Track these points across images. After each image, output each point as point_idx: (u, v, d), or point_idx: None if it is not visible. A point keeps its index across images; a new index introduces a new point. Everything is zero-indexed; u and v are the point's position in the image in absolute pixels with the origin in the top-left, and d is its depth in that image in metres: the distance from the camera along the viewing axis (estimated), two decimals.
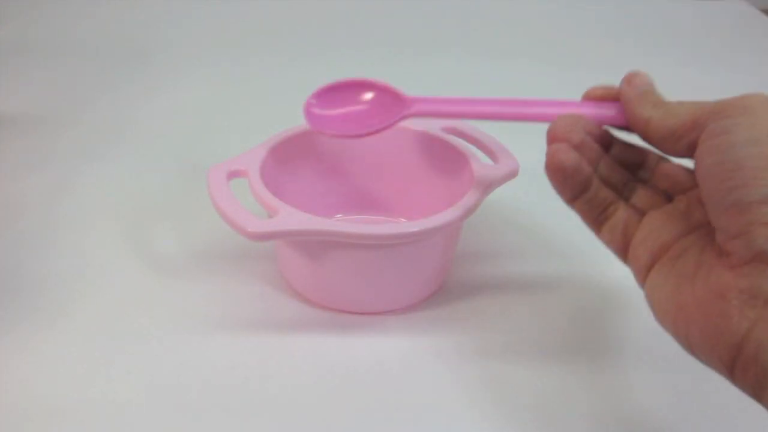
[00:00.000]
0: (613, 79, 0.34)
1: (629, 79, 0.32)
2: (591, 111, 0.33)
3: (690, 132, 0.28)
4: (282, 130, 0.45)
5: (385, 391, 0.37)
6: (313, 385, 0.37)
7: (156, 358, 0.38)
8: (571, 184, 0.32)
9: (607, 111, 0.33)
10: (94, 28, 0.84)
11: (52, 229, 0.48)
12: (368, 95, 0.39)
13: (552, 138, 0.32)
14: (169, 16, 0.88)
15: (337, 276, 0.41)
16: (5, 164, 0.56)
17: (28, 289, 0.43)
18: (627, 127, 0.32)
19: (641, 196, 0.32)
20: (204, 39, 0.82)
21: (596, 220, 0.33)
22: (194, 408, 0.36)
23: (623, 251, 0.32)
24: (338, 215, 0.48)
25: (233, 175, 0.40)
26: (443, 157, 0.45)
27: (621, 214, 0.32)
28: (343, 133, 0.38)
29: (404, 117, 0.37)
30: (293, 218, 0.37)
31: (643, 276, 0.31)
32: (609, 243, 0.33)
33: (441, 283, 0.44)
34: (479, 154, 0.44)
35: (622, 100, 0.32)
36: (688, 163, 0.30)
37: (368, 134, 0.38)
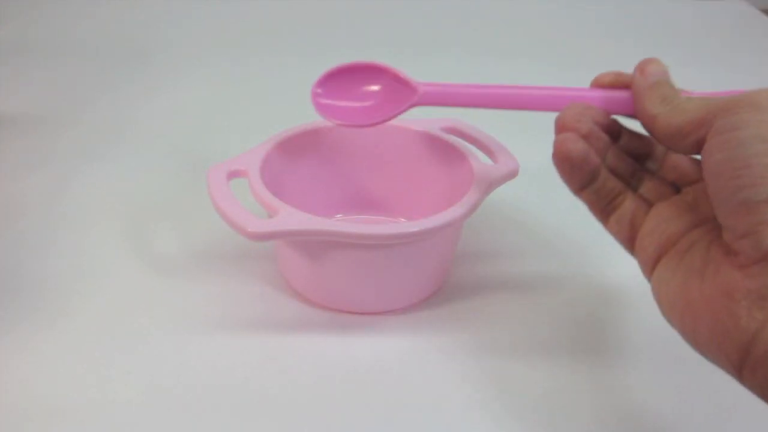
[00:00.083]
0: None
1: (642, 67, 0.31)
2: (600, 98, 0.33)
3: (697, 129, 0.27)
4: (282, 130, 0.45)
5: (385, 391, 0.37)
6: (313, 385, 0.37)
7: (156, 358, 0.38)
8: (578, 174, 0.31)
9: (617, 98, 0.32)
10: (94, 28, 0.84)
11: (52, 229, 0.48)
12: (375, 83, 0.39)
13: (560, 127, 0.31)
14: (169, 16, 0.88)
15: (337, 276, 0.41)
16: (5, 164, 0.56)
17: (28, 289, 0.43)
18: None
19: (649, 186, 0.32)
20: (204, 39, 0.82)
21: (604, 210, 0.32)
22: (194, 408, 0.36)
23: (630, 242, 0.32)
24: (338, 215, 0.48)
25: (233, 175, 0.40)
26: (443, 157, 0.45)
27: (628, 205, 0.32)
28: (351, 122, 0.38)
29: (413, 105, 0.37)
30: (293, 218, 0.37)
31: (649, 268, 0.30)
32: (616, 234, 0.32)
33: (441, 283, 0.44)
34: (479, 154, 0.44)
35: (633, 90, 0.31)
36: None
37: (377, 123, 0.38)
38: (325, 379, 0.37)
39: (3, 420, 0.34)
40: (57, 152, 0.58)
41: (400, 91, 0.38)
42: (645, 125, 0.31)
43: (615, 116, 0.33)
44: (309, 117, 0.46)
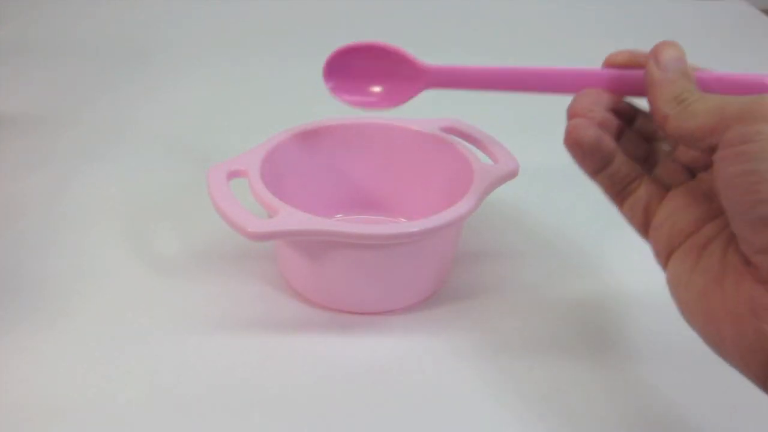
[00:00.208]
0: None
1: (656, 53, 0.30)
2: (613, 78, 0.32)
3: (709, 136, 0.27)
4: (282, 129, 0.45)
5: (385, 390, 0.37)
6: (313, 385, 0.37)
7: (156, 358, 0.38)
8: (590, 160, 0.31)
9: (631, 79, 0.31)
10: (94, 28, 0.84)
11: (52, 229, 0.48)
12: (380, 70, 0.38)
13: (572, 116, 0.31)
14: (169, 16, 0.88)
15: (337, 276, 0.41)
16: (5, 164, 0.56)
17: (28, 289, 0.43)
18: None
19: (664, 169, 0.32)
20: (204, 39, 0.82)
21: (618, 195, 0.32)
22: (194, 408, 0.36)
23: (644, 229, 0.31)
24: (338, 215, 0.48)
25: (233, 175, 0.40)
26: (443, 157, 0.45)
27: (643, 191, 0.31)
28: (364, 105, 0.39)
29: (423, 89, 0.37)
30: (293, 218, 0.37)
31: (663, 259, 0.30)
32: (630, 219, 0.32)
33: (441, 283, 0.44)
34: (479, 154, 0.44)
35: (646, 79, 0.30)
36: None
37: (389, 107, 0.38)
38: (325, 379, 0.37)
39: (3, 420, 0.34)
40: (57, 152, 0.58)
41: (408, 73, 0.37)
42: (655, 121, 0.30)
43: (629, 98, 0.32)
44: (309, 117, 0.46)
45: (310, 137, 0.45)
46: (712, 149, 0.27)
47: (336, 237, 0.37)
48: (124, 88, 0.69)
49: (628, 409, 0.36)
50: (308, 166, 0.46)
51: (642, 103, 0.32)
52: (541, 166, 0.52)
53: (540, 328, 0.41)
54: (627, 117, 0.32)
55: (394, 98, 0.39)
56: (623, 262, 0.47)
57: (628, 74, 0.32)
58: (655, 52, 0.30)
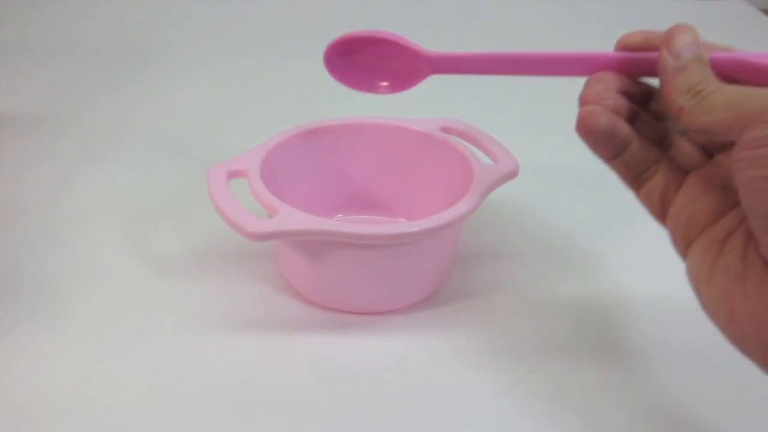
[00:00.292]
0: None
1: (668, 39, 0.28)
2: (627, 61, 0.30)
3: (726, 132, 0.25)
4: (282, 130, 0.45)
5: (384, 391, 0.37)
6: (313, 385, 0.37)
7: (156, 358, 0.38)
8: (603, 147, 0.30)
9: (646, 61, 0.30)
10: (94, 28, 0.84)
11: (52, 229, 0.48)
12: (385, 58, 0.38)
13: (584, 101, 0.30)
14: (169, 16, 0.88)
15: (337, 276, 0.41)
16: (5, 164, 0.56)
17: (28, 289, 0.43)
18: None
19: (680, 150, 0.31)
20: (204, 39, 0.82)
21: (634, 180, 0.31)
22: (194, 408, 0.36)
23: (661, 216, 0.31)
24: (338, 215, 0.48)
25: (233, 175, 0.40)
26: (443, 157, 0.45)
27: (659, 179, 0.30)
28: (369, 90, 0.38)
29: (428, 75, 0.36)
30: (293, 218, 0.37)
31: (681, 248, 0.29)
32: (647, 206, 0.31)
33: (441, 283, 0.44)
34: (479, 154, 0.44)
35: (659, 67, 0.29)
36: None
37: (394, 92, 0.38)
38: (325, 379, 0.37)
39: (3, 420, 0.34)
40: (57, 152, 0.58)
41: (411, 61, 0.37)
42: (670, 112, 0.28)
43: (643, 78, 0.31)
44: (309, 117, 0.46)
45: (310, 137, 0.45)
46: (728, 146, 0.26)
47: (336, 237, 0.37)
48: (124, 88, 0.69)
49: (628, 408, 0.36)
50: (308, 166, 0.46)
51: (657, 81, 0.31)
52: (541, 166, 0.52)
53: (540, 328, 0.41)
54: (641, 98, 0.31)
55: (399, 85, 0.38)
56: (623, 262, 0.47)
57: (642, 57, 0.30)
58: (668, 37, 0.28)
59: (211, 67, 0.75)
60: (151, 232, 0.49)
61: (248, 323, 0.41)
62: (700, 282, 0.28)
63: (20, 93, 0.68)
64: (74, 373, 0.37)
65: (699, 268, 0.28)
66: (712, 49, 0.29)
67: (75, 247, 0.47)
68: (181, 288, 0.43)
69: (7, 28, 0.83)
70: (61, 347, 0.39)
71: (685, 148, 0.31)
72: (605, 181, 0.52)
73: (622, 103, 0.30)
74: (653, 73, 0.30)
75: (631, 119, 0.30)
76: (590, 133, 0.29)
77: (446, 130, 0.46)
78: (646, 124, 0.31)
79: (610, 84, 0.30)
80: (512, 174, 0.42)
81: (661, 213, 0.31)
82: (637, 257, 0.47)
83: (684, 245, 0.29)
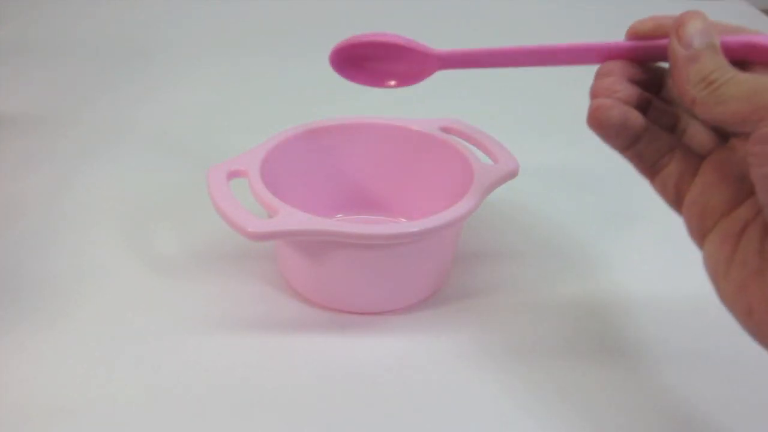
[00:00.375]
0: None
1: (679, 28, 0.27)
2: (637, 49, 0.30)
3: (741, 124, 0.25)
4: (282, 130, 0.45)
5: (385, 391, 0.37)
6: (313, 385, 0.37)
7: (156, 358, 0.38)
8: (616, 140, 0.29)
9: (658, 48, 0.29)
10: (94, 28, 0.84)
11: (52, 229, 0.48)
12: (389, 63, 0.37)
13: (594, 95, 0.30)
14: (169, 16, 0.88)
15: (337, 276, 0.41)
16: (5, 164, 0.56)
17: (28, 289, 0.43)
18: None
19: (694, 135, 0.30)
20: (204, 39, 0.82)
21: (648, 169, 0.31)
22: (194, 408, 0.36)
23: (676, 205, 0.30)
24: (338, 215, 0.48)
25: (233, 175, 0.40)
26: (443, 157, 0.45)
27: (674, 168, 0.30)
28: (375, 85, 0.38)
29: (436, 71, 0.36)
30: (293, 218, 0.37)
31: (697, 238, 0.29)
32: (662, 194, 0.31)
33: (441, 283, 0.44)
34: (479, 154, 0.44)
35: (669, 57, 0.28)
36: None
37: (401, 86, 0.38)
38: (325, 379, 0.37)
39: (3, 420, 0.34)
40: (57, 152, 0.58)
41: (417, 59, 0.36)
42: (683, 103, 0.28)
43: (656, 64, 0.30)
44: (309, 117, 0.46)
45: (310, 137, 0.45)
46: (746, 136, 0.25)
47: (336, 237, 0.37)
48: (124, 88, 0.69)
49: (628, 408, 0.36)
50: (308, 166, 0.46)
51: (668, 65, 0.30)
52: (541, 166, 0.52)
53: (540, 328, 0.41)
54: (653, 84, 0.30)
55: (406, 81, 0.38)
56: (623, 262, 0.47)
57: (654, 45, 0.30)
58: (677, 25, 0.28)
59: (211, 67, 0.75)
60: (151, 232, 0.49)
61: (248, 323, 0.41)
62: (717, 275, 0.28)
63: (20, 93, 0.68)
64: (74, 373, 0.37)
65: (716, 261, 0.28)
66: (723, 31, 0.28)
67: (75, 247, 0.47)
68: (181, 288, 0.43)
69: (7, 28, 0.83)
70: (61, 347, 0.39)
71: (699, 132, 0.30)
72: (605, 181, 0.52)
73: (633, 92, 0.29)
74: (666, 59, 0.29)
75: (644, 107, 0.30)
76: (602, 126, 0.29)
77: (446, 130, 0.46)
78: (659, 110, 0.30)
79: (620, 74, 0.30)
80: (512, 174, 0.42)
81: (676, 202, 0.30)
82: (637, 257, 0.47)
83: (700, 235, 0.29)
